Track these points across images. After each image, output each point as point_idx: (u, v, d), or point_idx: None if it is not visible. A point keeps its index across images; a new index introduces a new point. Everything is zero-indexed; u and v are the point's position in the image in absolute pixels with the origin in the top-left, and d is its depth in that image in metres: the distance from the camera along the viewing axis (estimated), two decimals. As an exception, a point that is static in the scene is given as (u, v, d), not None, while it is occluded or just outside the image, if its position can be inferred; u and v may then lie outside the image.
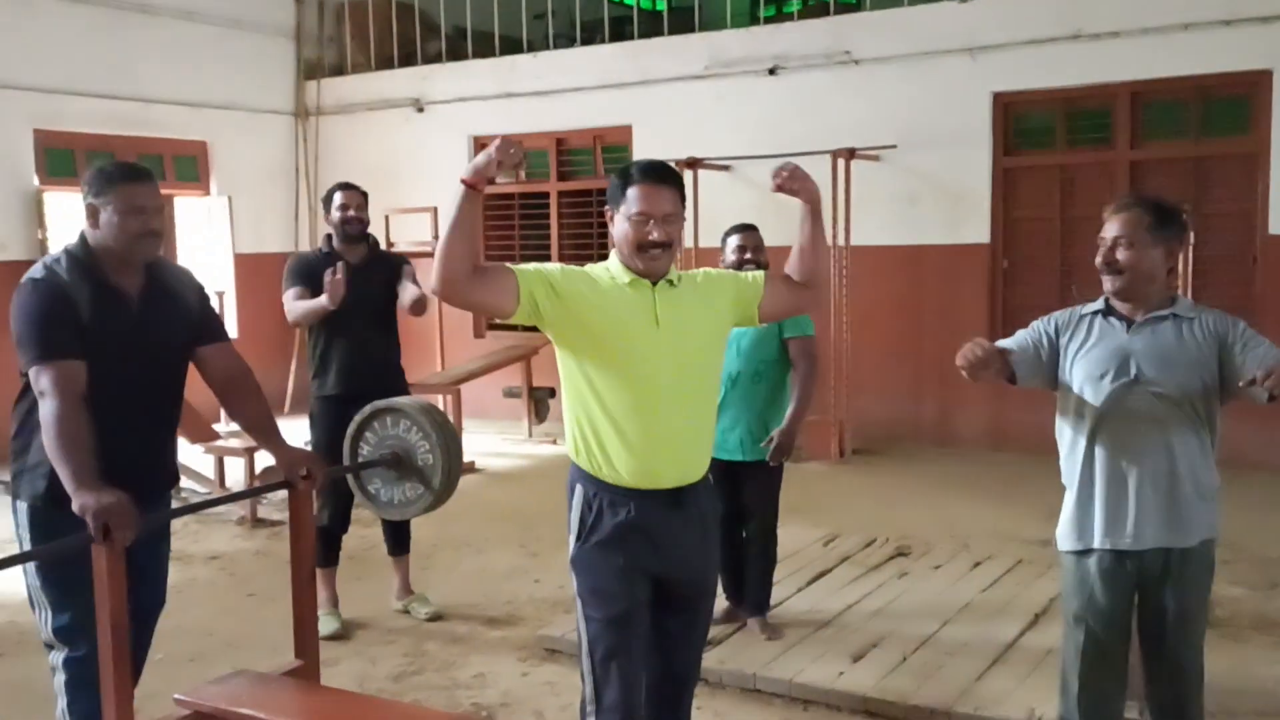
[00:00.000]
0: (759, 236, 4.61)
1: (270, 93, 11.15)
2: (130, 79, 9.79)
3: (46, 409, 2.85)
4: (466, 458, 8.44)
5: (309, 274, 4.75)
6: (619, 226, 2.75)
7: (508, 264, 2.74)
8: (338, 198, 4.83)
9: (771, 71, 9.04)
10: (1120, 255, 2.94)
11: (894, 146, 8.36)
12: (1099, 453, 2.98)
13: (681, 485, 2.75)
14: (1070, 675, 3.09)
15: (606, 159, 10.12)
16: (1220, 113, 7.90)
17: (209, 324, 3.37)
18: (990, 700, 3.86)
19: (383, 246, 5.33)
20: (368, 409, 3.70)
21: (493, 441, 9.38)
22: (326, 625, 4.62)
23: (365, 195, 4.90)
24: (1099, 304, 3.06)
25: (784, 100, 8.98)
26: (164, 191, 10.76)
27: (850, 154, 8.31)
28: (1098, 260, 3.00)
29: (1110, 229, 2.97)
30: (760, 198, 8.65)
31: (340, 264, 4.55)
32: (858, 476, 7.86)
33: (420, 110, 10.82)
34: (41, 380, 2.88)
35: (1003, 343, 3.12)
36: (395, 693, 4.23)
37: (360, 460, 3.67)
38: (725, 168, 9.09)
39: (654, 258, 2.72)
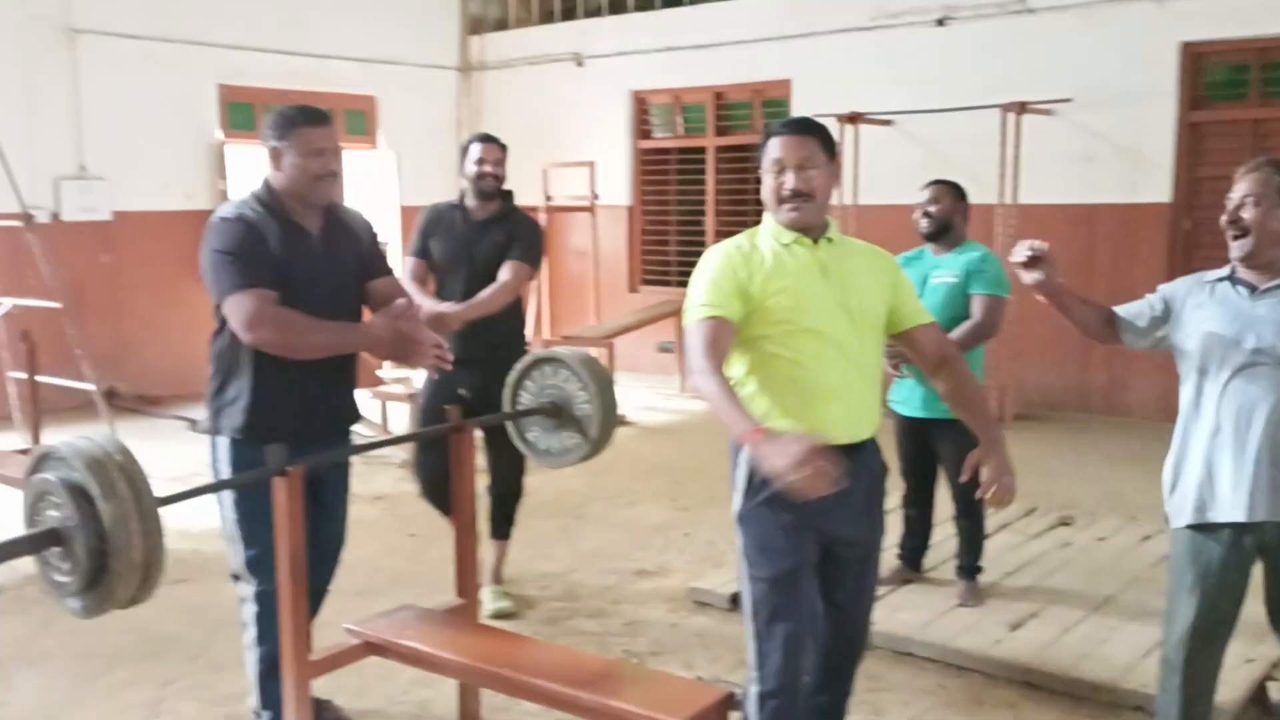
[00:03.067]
0: (945, 191, 4.42)
1: (436, 48, 11.40)
2: (305, 35, 10.16)
3: (271, 332, 3.03)
4: (619, 411, 8.55)
5: (434, 226, 4.59)
6: (764, 182, 2.74)
7: (718, 315, 2.60)
8: (474, 150, 4.55)
9: (940, 22, 8.73)
10: (1246, 214, 2.80)
11: (1069, 100, 7.98)
12: (1220, 424, 2.86)
13: (851, 442, 2.70)
14: (1177, 647, 3.01)
15: (766, 114, 9.98)
16: None
17: (378, 260, 3.49)
18: (1156, 678, 3.69)
19: (540, 199, 5.29)
20: (529, 358, 3.76)
21: (645, 395, 9.45)
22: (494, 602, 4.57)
23: (504, 149, 4.61)
24: (1225, 270, 2.92)
25: (952, 52, 8.66)
26: (335, 145, 10.99)
27: (1021, 108, 7.97)
28: (1222, 220, 2.86)
29: (1238, 189, 2.84)
30: (923, 154, 8.52)
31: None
32: (1018, 443, 7.49)
33: (580, 65, 10.88)
34: (242, 308, 3.02)
35: (1119, 308, 3.05)
36: (548, 636, 4.33)
37: (520, 409, 3.73)
38: (887, 122, 8.85)
39: (795, 208, 2.67)
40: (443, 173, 11.45)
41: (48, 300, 7.05)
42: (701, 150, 10.38)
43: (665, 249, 10.72)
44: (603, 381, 3.59)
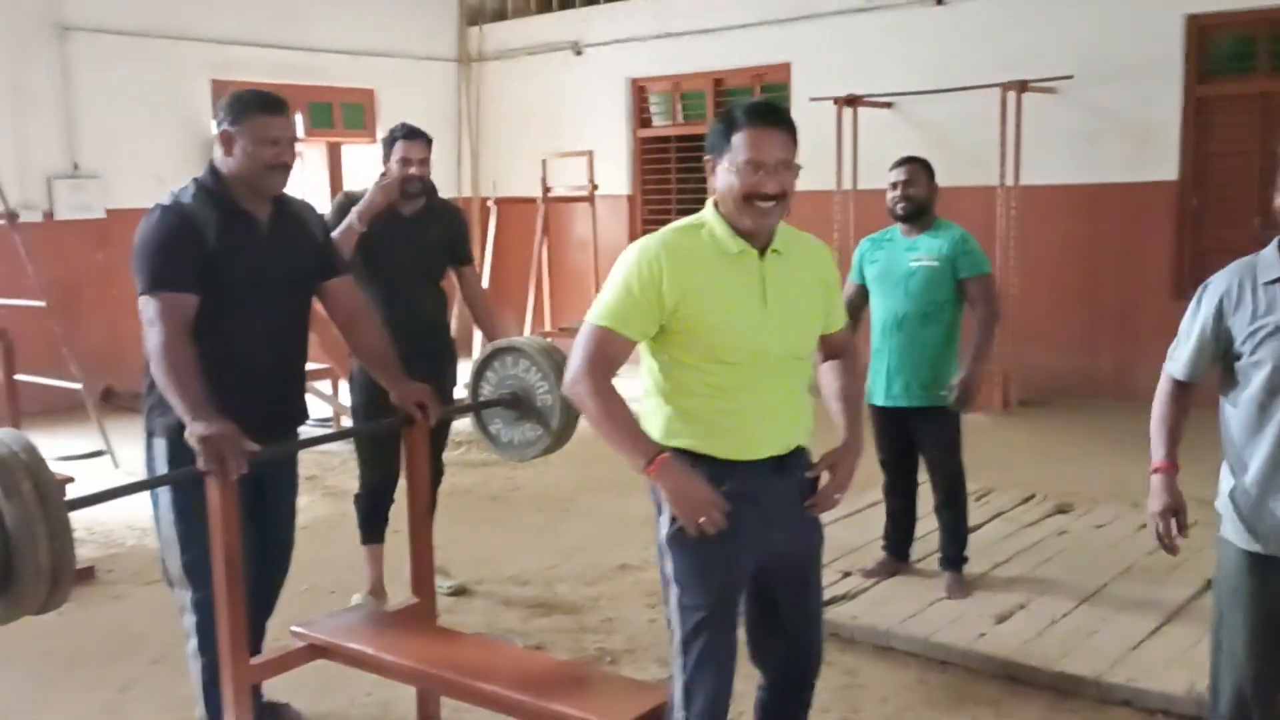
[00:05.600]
0: (920, 170, 4.28)
1: (434, 39, 11.30)
2: (299, 28, 10.08)
3: (152, 338, 2.88)
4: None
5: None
6: (723, 178, 2.43)
7: (618, 331, 2.43)
8: (399, 149, 4.19)
9: (939, 1, 8.54)
10: None
11: (1070, 77, 7.78)
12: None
13: (784, 454, 2.50)
14: (1228, 661, 2.64)
15: (766, 98, 9.82)
16: None
17: (335, 257, 3.37)
18: (1146, 671, 3.56)
19: (530, 191, 5.04)
20: (489, 348, 3.65)
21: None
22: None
23: (430, 144, 4.30)
24: (1276, 264, 2.49)
25: (951, 31, 8.48)
26: (332, 139, 10.97)
27: (1022, 86, 7.78)
28: None
29: None
30: (924, 136, 8.34)
31: (388, 171, 4.16)
32: (1022, 429, 7.45)
33: (579, 54, 10.74)
34: (148, 310, 2.91)
35: (1179, 365, 2.65)
36: (522, 632, 4.23)
37: (481, 400, 3.62)
38: (888, 105, 8.68)
39: (765, 213, 2.39)
40: (442, 165, 11.35)
41: (35, 300, 7.02)
42: (701, 138, 10.09)
43: (667, 238, 10.57)
44: (563, 370, 3.47)
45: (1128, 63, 7.76)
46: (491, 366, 3.63)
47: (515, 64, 11.19)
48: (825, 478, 2.55)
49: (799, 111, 9.04)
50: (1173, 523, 2.60)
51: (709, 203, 2.50)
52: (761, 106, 2.44)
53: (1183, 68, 7.66)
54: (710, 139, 2.45)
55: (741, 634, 2.57)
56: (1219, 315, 2.54)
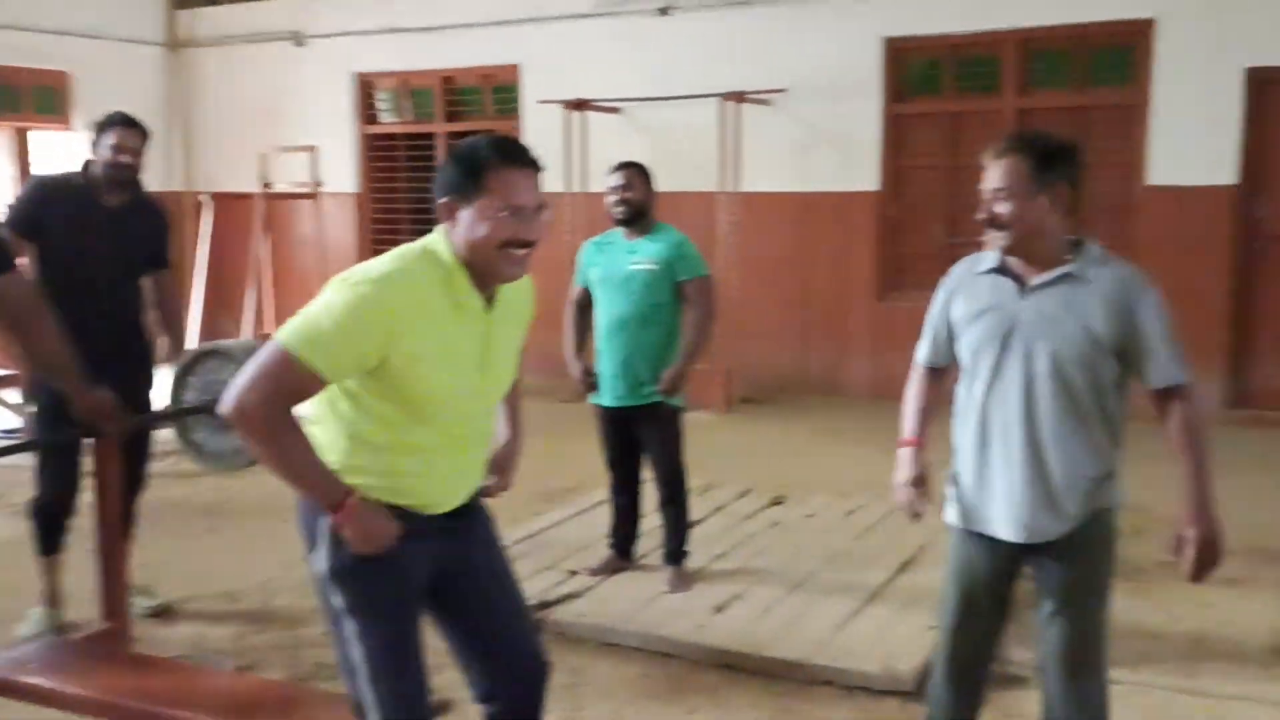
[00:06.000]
0: (636, 175, 4.35)
1: (138, 21, 10.54)
2: (-19, 2, 9.16)
3: None
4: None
5: (53, 203, 3.98)
6: (471, 224, 2.20)
7: (318, 371, 2.12)
8: (113, 134, 4.02)
9: (663, 11, 8.78)
10: (1001, 210, 2.56)
11: (784, 91, 8.21)
12: (987, 434, 2.68)
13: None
14: (942, 634, 2.88)
15: (496, 99, 9.80)
16: (1104, 62, 7.90)
17: (2, 250, 3.06)
18: (847, 651, 3.78)
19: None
20: (193, 352, 3.45)
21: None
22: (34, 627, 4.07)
23: (146, 135, 4.13)
24: (994, 258, 2.69)
25: (675, 41, 8.74)
26: (19, 124, 10.05)
27: (740, 97, 8.14)
28: (978, 215, 2.66)
29: (989, 179, 2.59)
30: (650, 141, 8.56)
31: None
32: (744, 426, 7.78)
33: (300, 44, 10.32)
34: None
35: (922, 352, 2.86)
36: (237, 651, 4.01)
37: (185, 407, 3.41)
38: (615, 110, 8.85)
39: (520, 261, 2.24)
40: (150, 156, 10.60)
41: None
42: (431, 136, 10.07)
43: (397, 239, 10.33)
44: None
45: (834, 80, 8.26)
46: (195, 372, 3.44)
47: (232, 52, 10.61)
48: (494, 480, 2.57)
49: (528, 113, 9.11)
50: (915, 492, 2.78)
51: (442, 244, 2.25)
52: (513, 146, 2.26)
53: (881, 86, 8.24)
54: (450, 179, 2.22)
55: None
56: (946, 304, 2.79)
